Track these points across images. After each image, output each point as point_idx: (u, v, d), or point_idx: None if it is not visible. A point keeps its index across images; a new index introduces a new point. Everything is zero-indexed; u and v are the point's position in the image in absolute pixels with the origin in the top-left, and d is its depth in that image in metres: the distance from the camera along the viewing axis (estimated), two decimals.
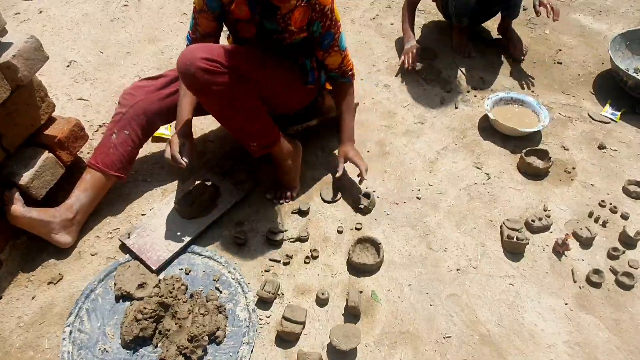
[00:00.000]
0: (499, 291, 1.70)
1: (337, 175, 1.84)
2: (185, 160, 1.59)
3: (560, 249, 1.80)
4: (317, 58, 1.83)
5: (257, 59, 1.65)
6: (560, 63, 2.73)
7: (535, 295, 1.70)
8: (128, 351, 1.48)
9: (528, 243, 1.80)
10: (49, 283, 1.65)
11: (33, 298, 1.61)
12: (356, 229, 1.87)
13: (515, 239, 1.78)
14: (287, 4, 1.58)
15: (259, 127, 1.71)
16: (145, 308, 1.49)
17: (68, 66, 2.51)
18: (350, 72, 1.88)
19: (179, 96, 1.73)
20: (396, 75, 2.62)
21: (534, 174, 2.10)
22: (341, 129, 1.92)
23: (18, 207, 1.61)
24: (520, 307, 1.66)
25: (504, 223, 1.86)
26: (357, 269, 1.74)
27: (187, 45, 1.75)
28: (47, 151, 1.71)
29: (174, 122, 1.75)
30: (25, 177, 1.63)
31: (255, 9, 1.62)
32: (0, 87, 1.50)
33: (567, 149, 2.24)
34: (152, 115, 1.79)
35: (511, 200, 2.00)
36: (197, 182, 1.88)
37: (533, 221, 1.88)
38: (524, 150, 2.11)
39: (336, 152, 2.14)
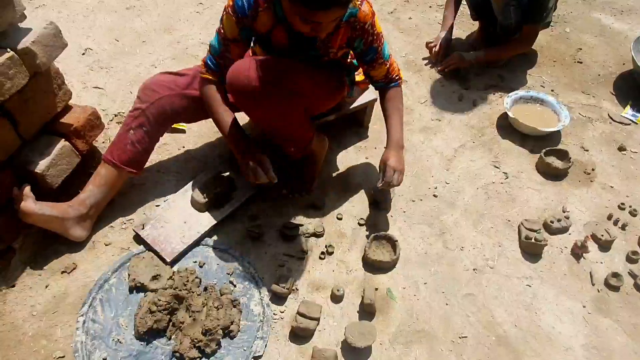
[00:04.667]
0: (516, 292, 1.68)
1: (379, 185, 1.72)
2: (272, 175, 1.57)
3: (579, 251, 1.78)
4: (362, 68, 1.78)
5: (305, 72, 1.58)
6: (581, 62, 2.68)
7: (552, 297, 1.67)
8: (142, 342, 1.48)
9: (546, 244, 1.78)
10: (62, 272, 1.64)
11: (46, 287, 1.61)
12: (372, 225, 1.84)
13: (533, 240, 1.76)
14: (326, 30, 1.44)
15: (301, 133, 1.70)
16: (159, 300, 1.49)
17: (83, 54, 2.49)
18: (397, 78, 1.78)
19: (215, 113, 1.64)
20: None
21: (553, 175, 2.06)
22: (387, 132, 1.80)
23: (30, 204, 1.55)
24: (537, 309, 1.64)
25: (522, 223, 1.83)
26: (372, 266, 1.72)
27: (207, 70, 1.64)
28: (63, 139, 1.69)
29: None
30: (41, 165, 1.61)
31: (294, 37, 1.56)
32: (18, 73, 1.47)
33: (587, 150, 2.20)
34: (173, 114, 1.74)
35: (529, 201, 1.97)
36: (212, 175, 1.86)
37: (552, 222, 1.85)
38: (544, 150, 2.08)
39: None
